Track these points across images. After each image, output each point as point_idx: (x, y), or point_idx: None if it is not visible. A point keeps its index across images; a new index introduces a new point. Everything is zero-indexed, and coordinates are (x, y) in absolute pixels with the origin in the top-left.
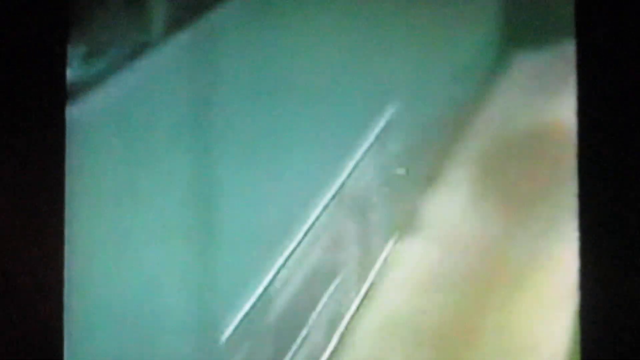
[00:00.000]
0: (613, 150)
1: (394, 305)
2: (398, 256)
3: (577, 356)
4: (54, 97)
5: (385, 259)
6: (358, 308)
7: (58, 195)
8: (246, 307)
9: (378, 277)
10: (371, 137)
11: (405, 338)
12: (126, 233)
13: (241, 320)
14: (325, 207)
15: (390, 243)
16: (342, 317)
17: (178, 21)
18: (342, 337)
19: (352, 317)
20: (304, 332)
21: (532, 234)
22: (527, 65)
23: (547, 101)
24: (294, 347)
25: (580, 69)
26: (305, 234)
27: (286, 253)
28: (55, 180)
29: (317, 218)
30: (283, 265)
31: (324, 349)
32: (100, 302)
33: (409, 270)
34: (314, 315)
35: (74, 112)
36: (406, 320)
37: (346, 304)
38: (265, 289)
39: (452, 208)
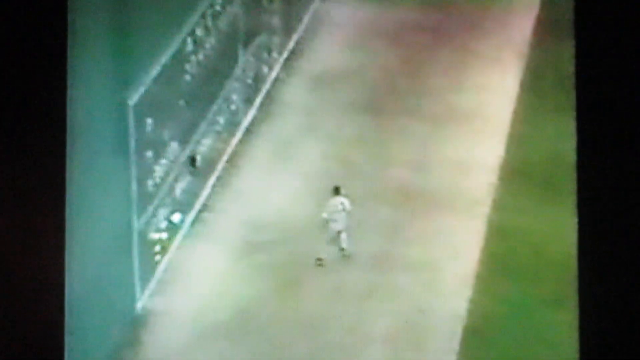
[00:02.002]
0: (612, 149)
1: (325, 62)
2: (326, 13)
3: None
4: (55, 97)
5: (313, 15)
6: (283, 66)
7: (58, 195)
8: (157, 68)
9: (306, 33)
10: None
11: (338, 94)
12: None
13: (154, 81)
14: None
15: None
16: (265, 77)
17: None
18: (267, 99)
19: (277, 77)
20: (222, 95)
21: None
22: None
23: None
24: (213, 110)
25: (578, 68)
26: None
27: (201, 9)
28: (55, 180)
29: None
30: (198, 22)
31: (245, 113)
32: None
33: (340, 26)
34: (233, 76)
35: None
36: (338, 76)
37: (270, 64)
38: (179, 49)
39: None
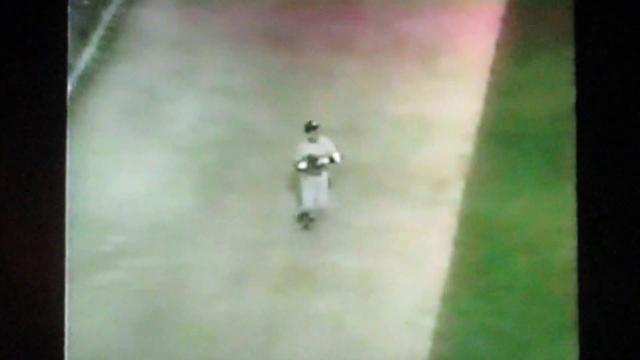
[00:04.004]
0: (611, 146)
1: None
2: None
3: None
4: (56, 97)
5: None
6: None
7: (58, 195)
8: None
9: None
10: None
11: (225, 20)
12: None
13: None
14: None
15: None
16: None
17: None
18: (112, 29)
19: None
20: None
21: None
22: None
23: None
24: None
25: (578, 69)
26: None
27: None
28: (56, 180)
29: None
30: None
31: (78, 51)
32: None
33: None
34: None
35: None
36: None
37: None
38: None
39: None
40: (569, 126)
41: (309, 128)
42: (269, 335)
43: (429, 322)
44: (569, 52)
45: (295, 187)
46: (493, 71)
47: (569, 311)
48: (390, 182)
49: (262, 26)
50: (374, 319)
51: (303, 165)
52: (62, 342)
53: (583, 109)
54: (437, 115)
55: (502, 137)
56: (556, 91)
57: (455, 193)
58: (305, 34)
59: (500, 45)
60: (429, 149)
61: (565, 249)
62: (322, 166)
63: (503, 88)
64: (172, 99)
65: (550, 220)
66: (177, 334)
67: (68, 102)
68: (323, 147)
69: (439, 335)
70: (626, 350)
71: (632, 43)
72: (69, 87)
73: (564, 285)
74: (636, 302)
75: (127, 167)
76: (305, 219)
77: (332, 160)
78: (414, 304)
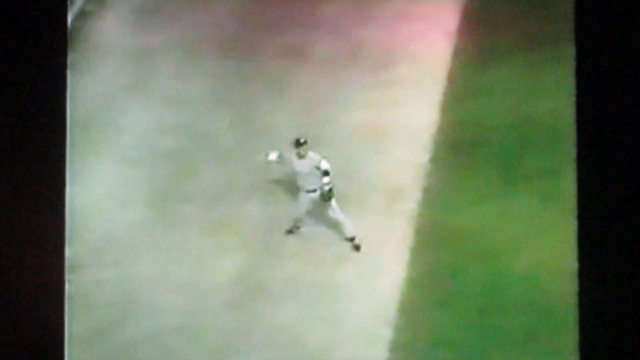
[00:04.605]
0: (611, 147)
1: None
2: None
3: None
4: (56, 95)
5: None
6: None
7: (58, 195)
8: None
9: None
10: None
11: (180, 29)
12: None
13: None
14: None
15: None
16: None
17: None
18: (68, 41)
19: (82, 8)
20: None
21: None
22: None
23: None
24: None
25: (578, 69)
26: None
27: None
28: (56, 180)
29: None
30: None
31: None
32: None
33: None
34: None
35: None
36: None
37: None
38: None
39: None
40: (526, 133)
41: (298, 144)
42: (225, 349)
43: (387, 333)
44: (526, 60)
45: (249, 197)
46: (450, 79)
47: (529, 321)
48: (346, 191)
49: (216, 35)
50: (331, 330)
51: (273, 155)
52: (62, 342)
53: (583, 109)
54: (394, 123)
55: (459, 145)
56: (513, 99)
57: (412, 202)
58: (260, 41)
59: (457, 53)
60: (385, 157)
61: (524, 257)
62: (331, 190)
63: (460, 96)
64: (126, 110)
65: (509, 228)
66: (130, 348)
67: (68, 104)
68: (311, 161)
69: (397, 346)
70: (625, 353)
71: (632, 43)
72: None
73: (525, 294)
74: (632, 307)
75: (80, 179)
76: (295, 226)
77: (326, 172)
78: (371, 314)
